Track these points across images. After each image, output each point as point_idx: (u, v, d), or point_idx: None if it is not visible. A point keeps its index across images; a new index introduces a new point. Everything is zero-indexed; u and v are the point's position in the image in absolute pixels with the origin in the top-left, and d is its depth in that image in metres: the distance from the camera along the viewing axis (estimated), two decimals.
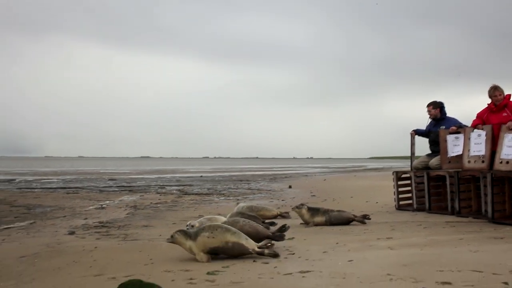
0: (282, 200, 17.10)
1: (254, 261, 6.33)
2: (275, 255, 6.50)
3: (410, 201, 12.72)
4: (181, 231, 6.84)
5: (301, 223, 10.36)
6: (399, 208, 12.83)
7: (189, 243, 6.59)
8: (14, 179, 35.84)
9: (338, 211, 10.38)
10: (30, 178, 38.74)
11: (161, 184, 30.10)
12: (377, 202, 14.87)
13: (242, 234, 6.65)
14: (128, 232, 10.15)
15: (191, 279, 5.44)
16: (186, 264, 6.34)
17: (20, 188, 25.64)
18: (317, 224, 10.05)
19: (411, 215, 11.65)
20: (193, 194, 21.49)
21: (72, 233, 10.24)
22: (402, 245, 7.30)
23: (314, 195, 19.26)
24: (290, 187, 25.47)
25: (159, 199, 18.51)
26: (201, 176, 41.67)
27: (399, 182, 13.04)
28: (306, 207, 10.29)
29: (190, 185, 28.34)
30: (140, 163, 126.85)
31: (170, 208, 15.22)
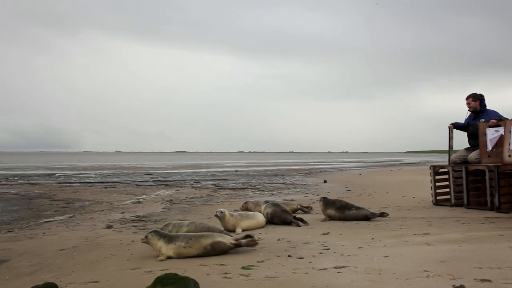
0: (317, 195, 17.02)
1: (289, 256, 6.33)
2: (253, 243, 6.66)
3: (447, 196, 12.49)
4: (155, 231, 6.88)
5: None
6: (437, 203, 12.61)
7: (160, 244, 6.62)
8: (54, 174, 36.71)
9: (357, 208, 10.28)
10: (69, 172, 39.61)
11: (197, 178, 30.36)
12: (413, 197, 14.66)
13: (215, 233, 6.81)
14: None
15: (226, 273, 5.47)
16: (221, 258, 6.38)
17: (60, 183, 26.24)
18: (330, 217, 10.17)
19: (448, 210, 11.43)
20: (228, 188, 21.61)
21: (109, 227, 10.43)
22: (439, 241, 7.18)
23: (349, 190, 19.11)
24: (325, 181, 25.35)
25: (194, 194, 18.68)
26: (236, 171, 41.85)
27: (437, 177, 12.81)
28: (322, 200, 10.47)
29: (225, 180, 28.50)
30: (176, 157, 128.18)
31: (205, 202, 15.35)
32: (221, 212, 9.13)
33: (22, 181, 27.22)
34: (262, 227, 9.50)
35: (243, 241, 6.67)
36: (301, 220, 9.82)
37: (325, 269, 5.48)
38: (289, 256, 6.34)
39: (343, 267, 5.52)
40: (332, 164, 62.39)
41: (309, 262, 5.89)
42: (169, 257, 6.54)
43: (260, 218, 9.60)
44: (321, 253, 6.53)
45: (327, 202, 10.39)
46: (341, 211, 10.14)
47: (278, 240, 7.80)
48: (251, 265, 5.82)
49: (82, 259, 7.03)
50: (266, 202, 10.64)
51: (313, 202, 13.85)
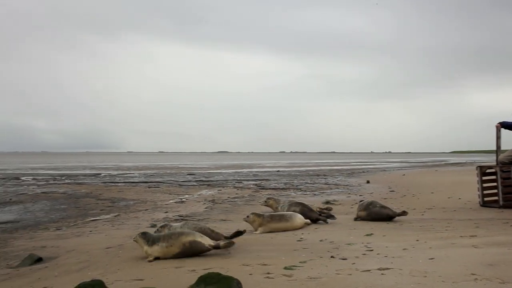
0: (360, 196, 16.84)
1: (332, 256, 6.28)
2: (230, 244, 6.78)
3: (495, 198, 12.15)
4: (142, 233, 7.00)
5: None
6: (484, 204, 12.29)
7: (145, 248, 6.79)
8: (100, 174, 37.56)
9: (381, 206, 10.26)
10: (114, 172, 40.45)
11: (238, 178, 30.51)
12: (460, 198, 14.32)
13: (196, 232, 6.83)
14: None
15: (268, 273, 5.47)
16: (263, 258, 6.39)
17: (105, 182, 26.83)
18: (361, 218, 10.24)
19: (496, 212, 11.12)
20: (270, 188, 21.63)
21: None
22: (487, 243, 6.99)
23: (392, 190, 18.83)
24: (368, 182, 25.06)
25: (236, 194, 18.78)
26: (278, 171, 41.85)
27: (484, 178, 12.48)
28: (358, 203, 10.67)
29: (267, 180, 28.54)
30: (218, 157, 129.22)
31: (247, 202, 15.41)
32: (248, 216, 9.24)
33: (69, 181, 27.96)
34: (299, 228, 9.30)
35: (221, 243, 6.78)
36: (329, 216, 10.18)
37: (369, 270, 5.42)
38: (332, 257, 6.29)
39: (387, 268, 5.44)
40: (375, 164, 61.62)
41: (352, 263, 5.83)
42: (156, 258, 6.69)
43: (296, 220, 9.36)
44: (364, 254, 6.45)
45: (359, 205, 10.63)
46: (367, 208, 10.23)
47: (320, 240, 7.75)
48: (294, 266, 5.80)
49: (127, 257, 7.17)
50: (290, 202, 10.73)
51: (356, 203, 13.71)
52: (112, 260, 6.99)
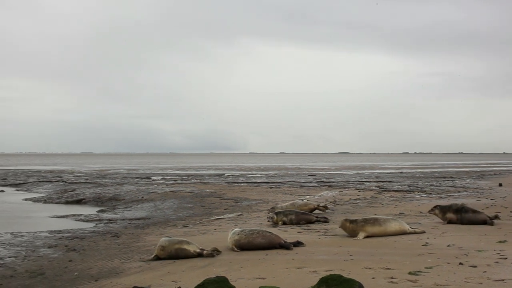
0: (491, 199, 15.80)
1: (460, 263, 5.96)
2: (212, 255, 7.49)
3: None
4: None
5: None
6: None
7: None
8: (223, 174, 38.88)
9: (474, 211, 9.99)
10: (237, 173, 41.66)
11: (360, 180, 30.02)
12: None
13: (185, 240, 7.91)
14: (328, 227, 10.30)
15: (392, 278, 5.32)
16: (387, 262, 6.22)
17: (229, 182, 27.71)
18: (449, 221, 9.97)
19: None
20: (392, 190, 21.02)
21: (275, 225, 10.73)
22: None
23: None
24: (500, 185, 23.43)
25: (358, 195, 18.47)
26: (401, 172, 40.61)
27: None
28: (438, 207, 10.45)
29: (389, 182, 27.80)
30: (339, 159, 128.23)
31: (370, 204, 15.09)
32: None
33: (195, 181, 29.24)
34: (401, 234, 8.76)
35: (205, 251, 7.65)
36: (324, 218, 11.13)
37: (503, 280, 5.07)
38: (460, 263, 5.97)
39: None
40: (507, 166, 57.56)
41: (484, 272, 5.49)
42: (156, 256, 7.76)
43: (390, 225, 8.91)
44: (497, 262, 6.04)
45: (443, 208, 10.38)
46: (458, 213, 10.03)
47: (447, 246, 7.39)
48: (419, 271, 5.59)
49: (249, 255, 7.34)
50: (277, 211, 11.40)
51: (487, 207, 12.89)
52: (235, 258, 7.19)
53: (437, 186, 24.10)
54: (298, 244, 7.93)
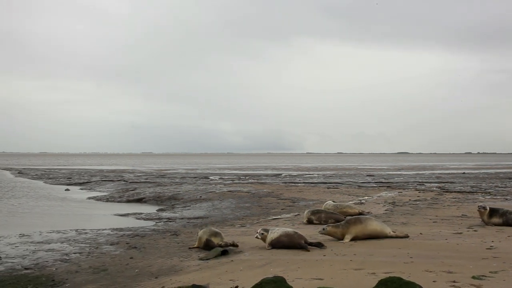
0: None
1: None
2: (226, 245, 8.28)
3: None
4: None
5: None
6: None
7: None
8: (280, 174, 38.90)
9: None
10: (294, 173, 41.59)
11: (420, 180, 29.32)
12: None
13: (213, 232, 8.59)
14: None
15: (454, 281, 5.16)
16: (449, 265, 6.04)
17: (286, 182, 27.69)
18: (495, 224, 10.06)
19: None
20: (454, 191, 20.40)
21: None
22: None
23: None
24: None
25: (418, 196, 18.03)
26: (463, 173, 39.39)
27: None
28: (488, 208, 10.45)
29: (451, 182, 27.00)
30: (398, 159, 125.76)
31: (430, 205, 14.70)
32: (323, 229, 9.01)
33: (252, 180, 29.39)
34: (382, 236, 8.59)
35: (223, 244, 8.36)
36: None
37: None
38: None
39: None
40: None
41: None
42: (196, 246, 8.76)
43: (371, 224, 8.80)
44: None
45: (492, 210, 10.43)
46: (503, 216, 10.19)
47: None
48: (483, 275, 5.39)
49: (306, 256, 7.30)
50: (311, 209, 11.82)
51: None
52: (292, 259, 7.17)
53: (502, 187, 23.21)
54: (318, 245, 7.98)
